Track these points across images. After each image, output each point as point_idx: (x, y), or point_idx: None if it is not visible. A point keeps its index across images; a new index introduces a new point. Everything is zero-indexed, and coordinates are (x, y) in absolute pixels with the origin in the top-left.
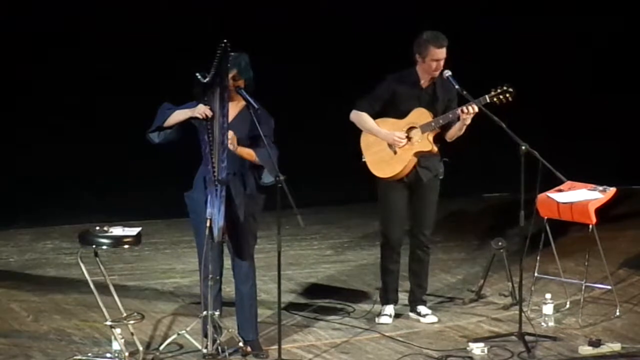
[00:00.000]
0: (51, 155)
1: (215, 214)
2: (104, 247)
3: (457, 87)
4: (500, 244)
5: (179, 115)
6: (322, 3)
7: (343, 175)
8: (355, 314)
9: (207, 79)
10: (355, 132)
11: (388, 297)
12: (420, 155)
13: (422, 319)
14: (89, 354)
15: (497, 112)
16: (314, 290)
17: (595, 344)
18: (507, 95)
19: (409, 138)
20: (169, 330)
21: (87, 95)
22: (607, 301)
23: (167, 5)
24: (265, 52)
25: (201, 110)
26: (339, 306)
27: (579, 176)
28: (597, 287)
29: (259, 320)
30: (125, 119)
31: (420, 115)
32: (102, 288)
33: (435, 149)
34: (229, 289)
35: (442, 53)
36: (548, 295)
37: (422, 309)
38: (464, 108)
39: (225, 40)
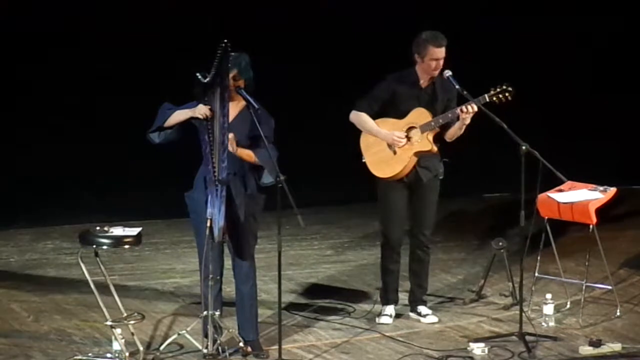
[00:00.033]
0: (51, 155)
1: (215, 214)
2: (105, 247)
3: (457, 87)
4: (500, 244)
5: (179, 116)
6: (322, 3)
7: (343, 175)
8: (355, 314)
9: (208, 79)
10: (355, 132)
11: (388, 297)
12: (420, 155)
13: (422, 319)
14: (90, 354)
15: (497, 112)
16: (314, 290)
17: (596, 344)
18: (507, 94)
19: (408, 138)
20: (170, 330)
21: (87, 95)
22: (607, 301)
23: (167, 5)
24: (265, 52)
25: (202, 111)
26: (339, 306)
27: (579, 176)
28: (597, 287)
29: (259, 320)
30: (125, 119)
31: (419, 115)
32: (103, 288)
33: (435, 148)
34: (229, 289)
35: (441, 52)
36: (548, 295)
37: (422, 309)
38: (464, 107)
39: (225, 40)
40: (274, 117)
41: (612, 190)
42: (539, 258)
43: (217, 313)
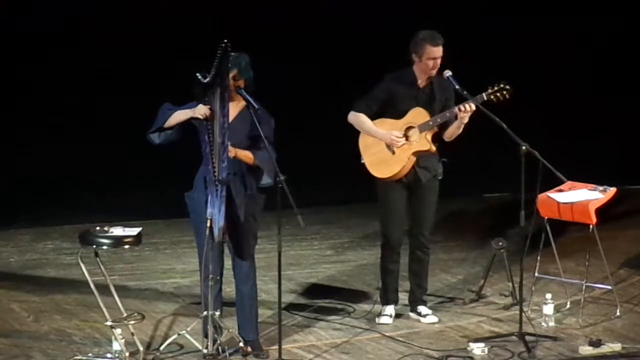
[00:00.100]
0: (51, 155)
1: (215, 214)
2: (105, 247)
3: (457, 87)
4: (500, 244)
5: (179, 116)
6: (322, 3)
7: (343, 175)
8: (355, 314)
9: (208, 79)
10: (355, 132)
11: (388, 297)
12: (418, 154)
13: (422, 319)
14: (90, 354)
15: (497, 112)
16: (314, 290)
17: (596, 344)
18: (504, 92)
19: (407, 138)
20: (170, 331)
21: (87, 95)
22: (607, 301)
23: (167, 5)
24: (265, 52)
25: (202, 111)
26: (339, 306)
27: (579, 176)
28: (597, 287)
29: (259, 320)
30: (125, 119)
31: (417, 115)
32: (103, 288)
33: (434, 148)
34: (229, 289)
35: (438, 51)
36: (548, 295)
37: (422, 309)
38: (462, 106)
39: (225, 40)
40: (274, 117)
41: (612, 190)
42: (538, 258)
43: (217, 313)
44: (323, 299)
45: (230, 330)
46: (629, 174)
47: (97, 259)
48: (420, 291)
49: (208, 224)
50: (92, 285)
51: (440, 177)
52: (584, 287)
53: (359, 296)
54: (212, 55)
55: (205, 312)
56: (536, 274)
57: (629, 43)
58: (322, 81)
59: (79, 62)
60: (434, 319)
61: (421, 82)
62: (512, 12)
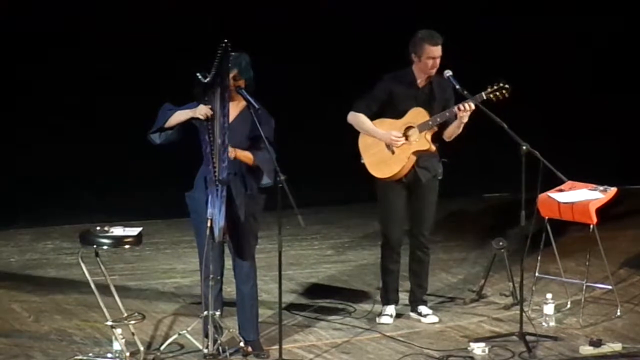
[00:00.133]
0: (51, 155)
1: (216, 214)
2: (105, 247)
3: (457, 87)
4: (501, 243)
5: (180, 116)
6: (322, 3)
7: (343, 175)
8: (356, 314)
9: (208, 79)
10: (355, 132)
11: (389, 297)
12: (418, 154)
13: (423, 319)
14: (90, 354)
15: (497, 111)
16: (314, 290)
17: (596, 344)
18: (504, 91)
19: (406, 138)
20: (170, 330)
21: (87, 95)
22: (608, 301)
23: (167, 5)
24: (265, 52)
25: (202, 111)
26: (339, 306)
27: (579, 176)
28: (598, 287)
29: (259, 320)
30: (125, 119)
31: (417, 115)
32: (103, 288)
33: (434, 147)
34: (229, 289)
35: (437, 51)
36: (549, 295)
37: (422, 309)
38: (461, 106)
39: (225, 40)
40: (274, 117)
41: (613, 190)
42: (539, 258)
43: (218, 313)
44: (323, 298)
45: (231, 330)
46: (629, 173)
47: (98, 258)
48: (420, 291)
49: (208, 224)
50: (92, 285)
51: (440, 177)
52: (584, 287)
53: (359, 296)
54: (212, 55)
55: (205, 312)
56: (537, 274)
57: (629, 43)
58: (322, 81)
59: (79, 62)
60: (435, 318)
61: (420, 81)
62: (512, 12)
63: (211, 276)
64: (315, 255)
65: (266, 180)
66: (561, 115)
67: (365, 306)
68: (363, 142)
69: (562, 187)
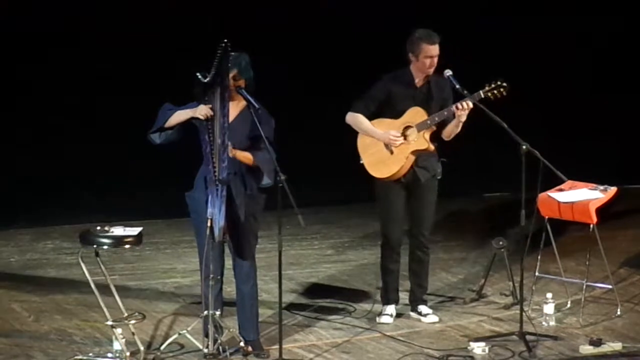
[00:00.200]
0: (51, 155)
1: (216, 214)
2: (105, 247)
3: (457, 86)
4: (501, 243)
5: (180, 116)
6: (322, 3)
7: (343, 175)
8: (356, 314)
9: (208, 79)
10: (355, 132)
11: (389, 296)
12: (417, 154)
13: (423, 319)
14: (90, 354)
15: (497, 111)
16: (314, 290)
17: (596, 343)
18: (501, 89)
19: (405, 137)
20: (170, 330)
21: (87, 95)
22: (608, 300)
23: (167, 5)
24: (265, 52)
25: (203, 111)
26: (340, 306)
27: (579, 176)
28: (598, 287)
29: (260, 320)
30: (125, 119)
31: (415, 114)
32: (103, 288)
33: (432, 147)
34: (230, 289)
35: (435, 50)
36: (549, 295)
37: (423, 308)
38: (459, 104)
39: (225, 40)
40: (274, 117)
41: (613, 190)
42: (539, 257)
43: (218, 313)
44: (324, 298)
45: (231, 330)
46: (629, 173)
47: (98, 258)
48: (420, 291)
49: (208, 224)
50: (92, 285)
51: (439, 177)
52: (584, 287)
53: (359, 296)
54: (212, 55)
55: (205, 312)
56: (537, 274)
57: (629, 43)
58: (322, 81)
59: (79, 62)
60: (435, 318)
61: (418, 81)
62: (512, 12)
63: (211, 276)
64: (315, 255)
65: (266, 181)
66: (561, 115)
67: (366, 306)
68: (362, 142)
69: (562, 186)
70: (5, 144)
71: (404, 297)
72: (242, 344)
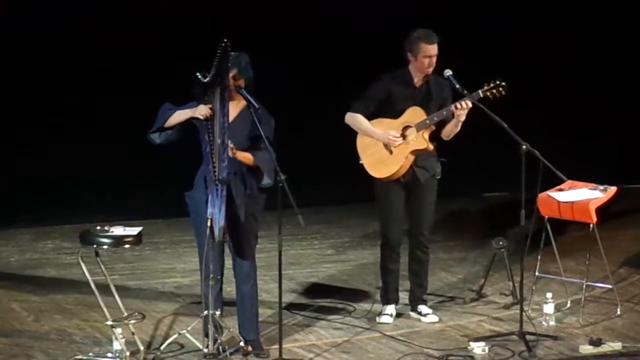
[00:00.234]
0: (51, 155)
1: (216, 214)
2: (105, 246)
3: (458, 86)
4: (501, 243)
5: (179, 116)
6: (322, 3)
7: (343, 175)
8: (356, 314)
9: (208, 79)
10: (355, 132)
11: (389, 296)
12: (416, 153)
13: (423, 319)
14: (90, 354)
15: (497, 111)
16: (314, 289)
17: (596, 343)
18: (500, 89)
19: (404, 137)
20: (170, 330)
21: (87, 95)
22: (608, 300)
23: (167, 5)
24: (265, 52)
25: (202, 111)
26: (339, 306)
27: (579, 176)
28: (597, 286)
29: (260, 319)
30: (125, 119)
31: (414, 114)
32: (103, 288)
33: (431, 146)
34: (230, 289)
35: (433, 49)
36: (549, 295)
37: (422, 308)
38: (458, 104)
39: (225, 40)
40: (274, 117)
41: (613, 190)
42: (539, 257)
43: (218, 312)
44: (323, 298)
45: (231, 330)
46: (629, 173)
47: (98, 258)
48: (420, 290)
49: (208, 224)
50: (92, 285)
51: (438, 177)
52: (584, 286)
53: (359, 295)
54: (212, 55)
55: (205, 312)
56: (536, 273)
57: (629, 43)
58: (322, 81)
59: (79, 62)
60: (435, 318)
61: (417, 81)
62: (512, 12)
63: (211, 276)
64: (315, 255)
65: (266, 181)
66: (561, 115)
67: (365, 305)
68: (361, 143)
69: (562, 186)
70: (5, 144)
71: (403, 297)
72: (242, 343)
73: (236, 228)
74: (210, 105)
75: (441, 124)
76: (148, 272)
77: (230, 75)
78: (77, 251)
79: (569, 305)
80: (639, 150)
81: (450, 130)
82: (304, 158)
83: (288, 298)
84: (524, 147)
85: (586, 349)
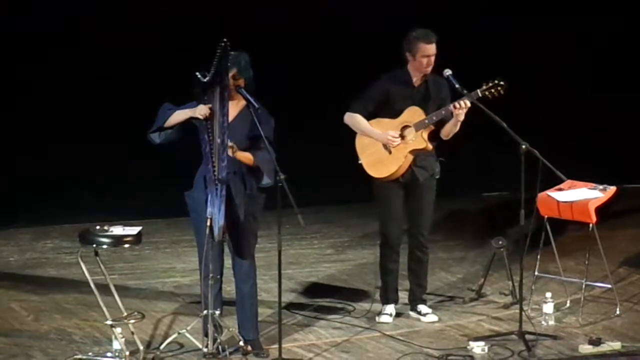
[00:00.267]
0: (51, 155)
1: (215, 213)
2: (105, 246)
3: (457, 86)
4: (500, 242)
5: (179, 116)
6: (322, 3)
7: (343, 175)
8: (355, 313)
9: (207, 78)
10: (354, 132)
11: (388, 296)
12: (415, 153)
13: (422, 318)
14: (90, 353)
15: (497, 111)
16: (314, 289)
17: (596, 342)
18: (499, 88)
19: (403, 137)
20: (170, 330)
21: (87, 95)
22: (607, 300)
23: (167, 5)
24: (265, 52)
25: (202, 111)
26: (339, 305)
27: (579, 175)
28: (597, 286)
29: (259, 319)
30: (125, 119)
31: (413, 114)
32: (103, 287)
33: (430, 146)
34: (229, 288)
35: (432, 49)
36: (548, 294)
37: (422, 308)
38: (457, 103)
39: (225, 39)
40: (274, 117)
41: (612, 189)
42: (538, 257)
43: (217, 312)
44: (323, 298)
45: (231, 329)
46: (628, 173)
47: (97, 258)
48: (420, 290)
49: (208, 223)
50: (92, 285)
51: (437, 177)
52: (583, 286)
53: (359, 295)
54: (212, 55)
55: (205, 311)
56: (536, 273)
57: (629, 43)
58: (322, 81)
59: (79, 62)
60: (434, 317)
61: (416, 80)
62: (512, 12)
63: (211, 275)
64: (314, 255)
65: (266, 180)
66: (561, 115)
67: (365, 305)
68: (360, 143)
69: (561, 186)
70: (5, 144)
71: (403, 296)
72: (241, 343)
73: (236, 228)
74: (209, 105)
75: (440, 124)
76: (148, 271)
77: (230, 74)
78: (77, 251)
79: (568, 304)
80: (639, 150)
81: (449, 130)
82: (304, 158)
83: (288, 298)
84: (523, 146)
85: (585, 348)
